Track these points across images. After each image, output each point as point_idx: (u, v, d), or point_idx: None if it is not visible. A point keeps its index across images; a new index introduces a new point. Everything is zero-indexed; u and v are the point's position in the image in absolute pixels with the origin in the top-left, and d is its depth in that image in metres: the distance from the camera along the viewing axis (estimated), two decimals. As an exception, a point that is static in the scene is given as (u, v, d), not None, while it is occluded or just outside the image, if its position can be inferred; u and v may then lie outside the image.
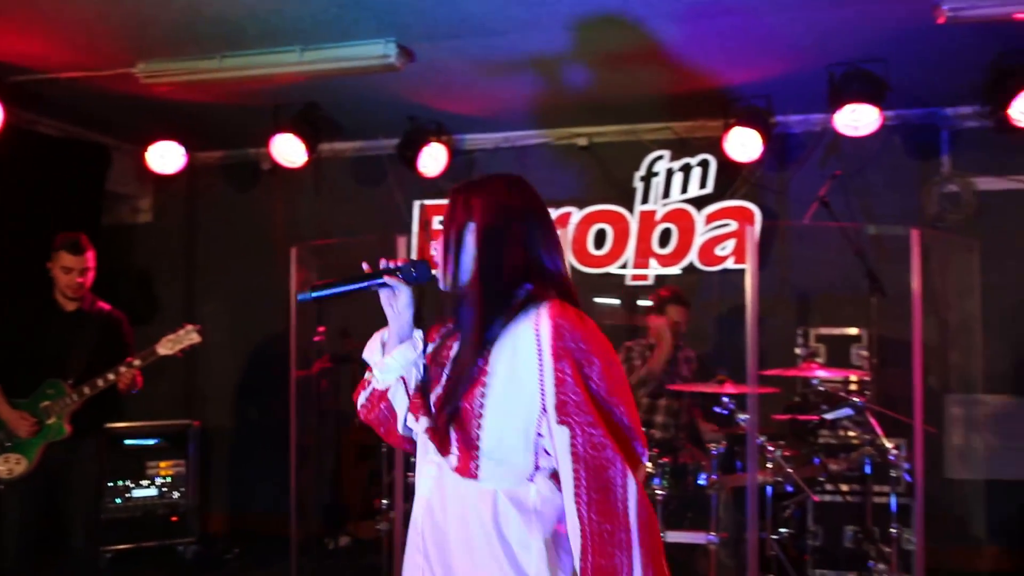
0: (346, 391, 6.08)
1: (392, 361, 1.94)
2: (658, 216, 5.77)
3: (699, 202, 5.71)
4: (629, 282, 5.84)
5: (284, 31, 4.34)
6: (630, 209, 5.82)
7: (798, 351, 5.25)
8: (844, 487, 4.84)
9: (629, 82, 5.08)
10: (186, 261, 6.82)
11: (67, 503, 4.13)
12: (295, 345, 5.08)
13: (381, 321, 2.01)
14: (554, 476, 1.79)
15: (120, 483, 5.55)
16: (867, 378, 5.00)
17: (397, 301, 1.93)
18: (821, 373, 4.59)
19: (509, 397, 1.76)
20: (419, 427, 1.92)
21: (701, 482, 4.27)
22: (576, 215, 5.86)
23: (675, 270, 5.75)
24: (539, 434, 1.78)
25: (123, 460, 5.58)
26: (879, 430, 4.41)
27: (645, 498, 1.71)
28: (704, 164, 5.67)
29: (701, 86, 5.12)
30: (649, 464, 4.18)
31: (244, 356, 6.63)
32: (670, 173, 5.75)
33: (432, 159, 5.73)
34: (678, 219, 5.74)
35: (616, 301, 5.87)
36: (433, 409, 1.87)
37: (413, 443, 1.99)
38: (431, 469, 1.88)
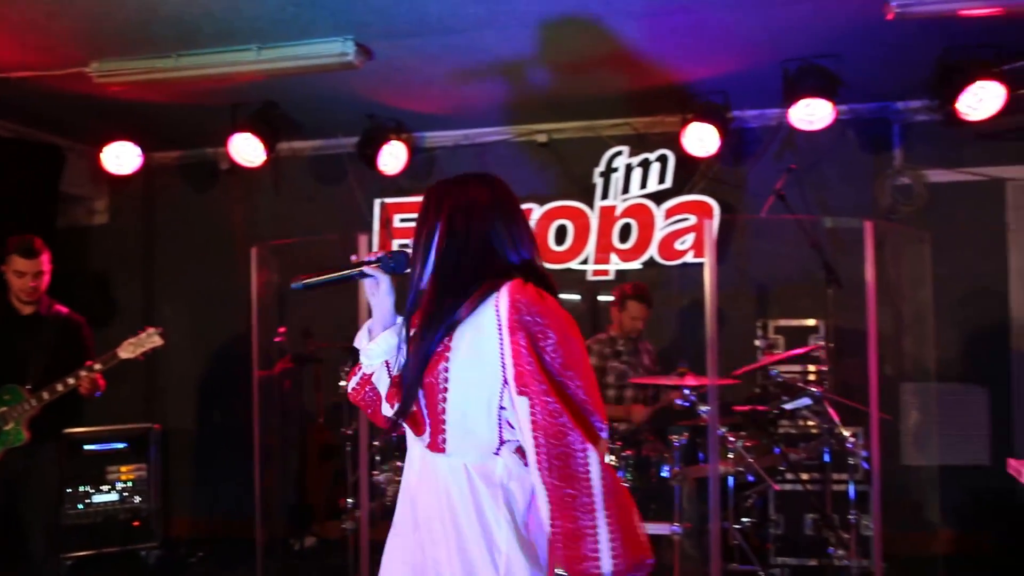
0: (309, 391, 6.09)
1: (375, 347, 2.03)
2: (618, 211, 5.80)
3: (658, 197, 5.75)
4: (590, 277, 5.88)
5: (241, 30, 4.31)
6: (590, 205, 5.84)
7: (758, 343, 5.34)
8: (804, 476, 4.93)
9: (588, 79, 5.12)
10: (144, 262, 6.74)
11: (26, 510, 4.08)
12: (257, 345, 5.05)
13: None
14: (520, 451, 1.86)
15: (80, 489, 5.47)
16: (824, 368, 5.10)
17: (379, 289, 2.02)
18: (779, 366, 4.68)
19: (472, 370, 1.85)
20: (393, 412, 2.01)
21: (664, 474, 4.32)
22: (537, 211, 5.87)
23: (636, 265, 5.78)
24: (502, 407, 1.86)
25: (83, 465, 5.50)
26: (837, 419, 4.49)
27: (608, 466, 1.78)
28: (663, 159, 5.71)
29: (659, 82, 5.18)
30: (613, 457, 4.22)
31: (205, 357, 6.57)
32: (629, 169, 5.79)
33: (392, 157, 5.72)
34: (638, 214, 5.78)
35: (577, 297, 5.92)
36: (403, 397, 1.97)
37: (396, 425, 2.06)
38: (415, 451, 2.00)
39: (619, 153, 5.81)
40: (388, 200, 6.11)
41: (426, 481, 1.94)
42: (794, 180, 5.34)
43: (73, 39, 4.39)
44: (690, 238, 5.65)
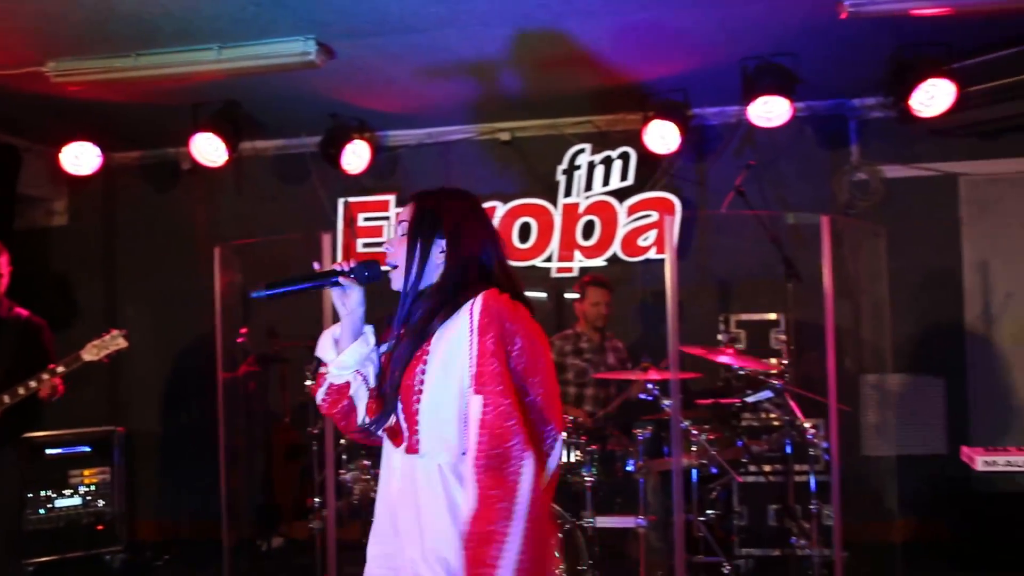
0: (274, 391, 6.07)
1: (347, 358, 2.01)
2: (581, 209, 5.87)
3: (621, 194, 5.83)
4: (555, 274, 5.93)
5: (201, 29, 4.29)
6: (553, 202, 5.91)
7: (720, 337, 5.40)
8: (767, 468, 5.00)
9: (550, 77, 5.15)
10: (105, 264, 6.67)
11: (-14, 515, 4.04)
12: (221, 346, 5.03)
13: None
14: None
15: (42, 493, 5.41)
16: (785, 361, 5.17)
17: (349, 300, 2.01)
18: (734, 360, 4.74)
19: (444, 372, 1.89)
20: (369, 424, 2.03)
21: (630, 468, 4.37)
22: (501, 209, 5.92)
23: (599, 261, 5.86)
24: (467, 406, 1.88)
25: (45, 469, 5.44)
26: (798, 411, 4.56)
27: (540, 479, 1.80)
28: (625, 157, 5.79)
29: (620, 81, 5.22)
30: (578, 452, 4.26)
31: (169, 359, 6.52)
32: (592, 166, 5.85)
33: (355, 156, 5.71)
34: (601, 211, 5.85)
35: (543, 295, 5.96)
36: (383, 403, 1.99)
37: (370, 435, 2.09)
38: (394, 460, 2.00)
39: (581, 151, 5.89)
40: (352, 199, 6.13)
41: (408, 485, 1.95)
42: (754, 176, 5.41)
43: (29, 38, 4.34)
44: (653, 234, 5.73)
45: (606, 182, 5.84)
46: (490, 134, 6.12)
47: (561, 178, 5.92)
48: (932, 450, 5.64)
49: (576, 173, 5.89)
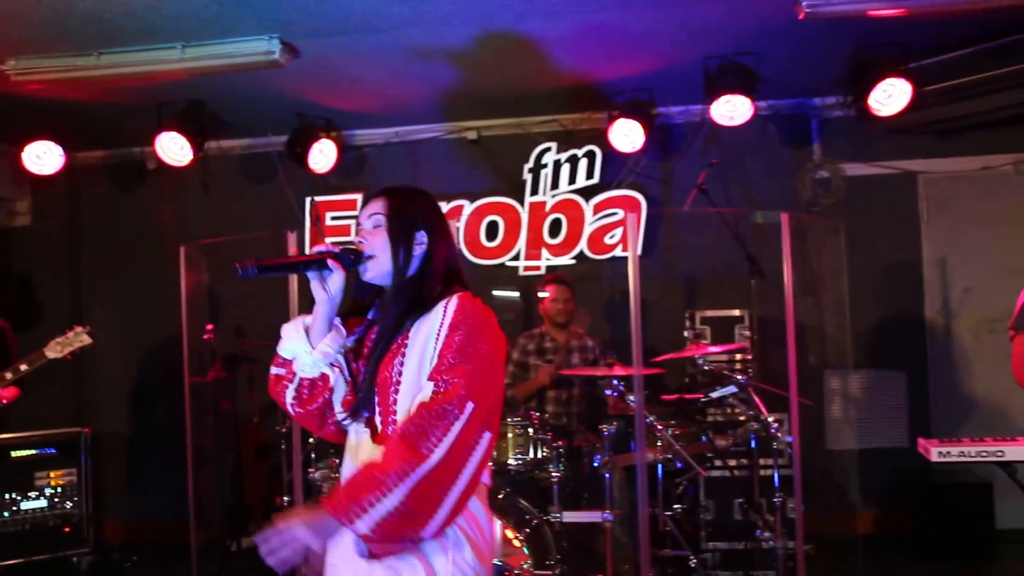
0: (243, 390, 6.05)
1: (327, 348, 2.00)
2: (548, 207, 5.91)
3: (587, 192, 5.87)
4: (522, 272, 5.96)
5: (164, 28, 4.27)
6: (520, 201, 5.94)
7: (686, 333, 5.46)
8: (732, 462, 5.06)
9: (515, 76, 5.18)
10: (70, 264, 6.60)
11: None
12: (187, 346, 5.01)
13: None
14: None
15: (7, 496, 5.35)
16: (749, 356, 5.24)
17: (331, 284, 1.99)
18: (711, 349, 4.81)
19: (420, 366, 1.92)
20: (344, 417, 2.03)
21: (597, 464, 4.40)
22: (468, 207, 5.94)
23: (566, 260, 5.90)
24: None
25: (10, 472, 5.36)
26: (762, 407, 4.62)
27: (457, 471, 1.82)
28: (590, 155, 5.83)
29: (585, 80, 5.26)
30: (545, 448, 4.29)
31: (136, 359, 6.48)
32: (558, 164, 5.89)
33: (322, 155, 5.71)
34: (567, 209, 5.89)
35: (515, 294, 5.98)
36: (359, 393, 2.00)
37: (342, 431, 2.10)
38: (361, 452, 2.00)
39: (548, 149, 5.93)
40: (319, 198, 6.12)
41: None
42: (719, 174, 5.48)
43: (-13, 37, 4.30)
44: (619, 232, 5.78)
45: (572, 180, 5.88)
46: (457, 133, 6.14)
47: (528, 176, 5.95)
48: (894, 443, 5.74)
49: (543, 171, 5.93)
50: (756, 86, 4.93)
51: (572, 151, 5.86)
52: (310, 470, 4.67)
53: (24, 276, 6.58)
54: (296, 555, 1.75)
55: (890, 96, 4.72)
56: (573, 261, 5.90)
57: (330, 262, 1.96)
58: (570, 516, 4.26)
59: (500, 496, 4.23)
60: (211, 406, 5.53)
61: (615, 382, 4.41)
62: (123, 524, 6.38)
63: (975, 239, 5.76)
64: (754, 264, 4.98)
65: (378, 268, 2.00)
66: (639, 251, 5.64)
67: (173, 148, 5.35)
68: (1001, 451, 3.23)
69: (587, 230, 5.86)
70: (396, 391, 1.93)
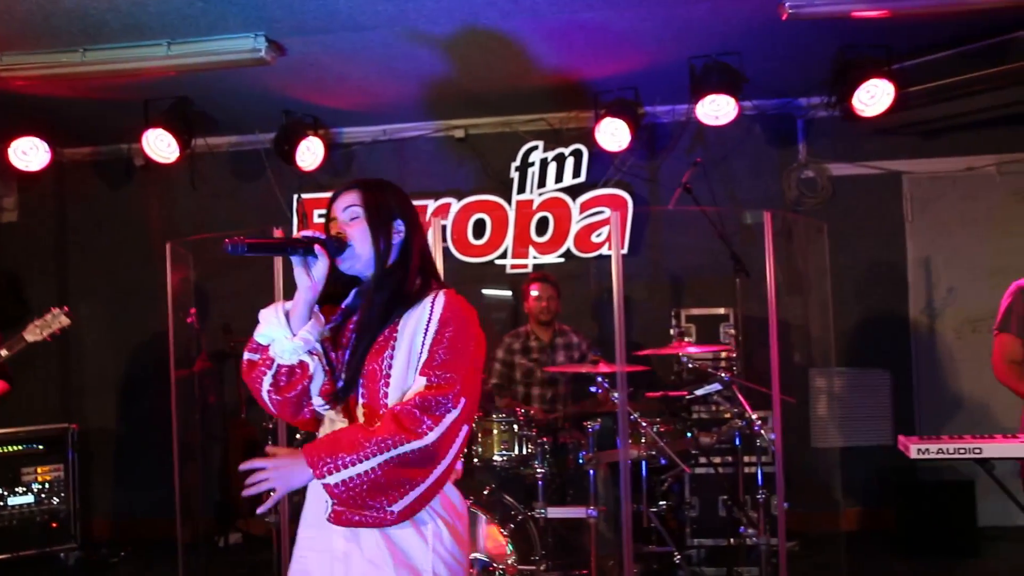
0: (230, 386, 6.06)
1: (307, 335, 1.99)
2: (535, 205, 5.93)
3: (574, 191, 5.90)
4: (509, 271, 5.98)
5: (149, 25, 4.27)
6: (507, 199, 5.96)
7: (672, 331, 5.48)
8: (716, 459, 5.09)
9: (502, 75, 5.19)
10: (57, 261, 6.59)
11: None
12: (173, 342, 5.01)
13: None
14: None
15: (-7, 492, 5.37)
16: (734, 355, 5.27)
17: (316, 270, 1.98)
18: (692, 350, 4.83)
19: (409, 359, 1.95)
20: (321, 405, 2.05)
21: (581, 460, 4.42)
22: (455, 206, 5.96)
23: (553, 258, 5.92)
24: None
25: (-4, 467, 5.40)
26: (746, 404, 4.65)
27: (435, 463, 1.88)
28: (577, 154, 5.85)
29: (572, 79, 5.28)
30: (530, 445, 4.31)
31: (123, 355, 6.47)
32: (545, 163, 5.91)
33: (309, 153, 5.71)
34: (554, 208, 5.91)
35: (508, 292, 6.00)
36: (340, 383, 2.01)
37: (317, 421, 2.12)
38: None
39: (535, 148, 5.95)
40: (306, 196, 6.13)
41: None
42: (705, 173, 5.50)
43: (-29, 32, 4.30)
44: (606, 231, 5.81)
45: (559, 179, 5.90)
46: (444, 131, 6.15)
47: (515, 175, 5.97)
48: (878, 441, 5.78)
49: (530, 170, 5.95)
50: (741, 86, 4.96)
51: (559, 150, 5.89)
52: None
53: (11, 273, 6.56)
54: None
55: (873, 97, 4.76)
56: (560, 259, 5.92)
57: (317, 248, 1.96)
58: (555, 512, 4.28)
59: (485, 492, 4.25)
60: (198, 402, 5.54)
61: (599, 379, 4.44)
62: (110, 520, 6.38)
63: (959, 239, 5.80)
64: (739, 263, 5.01)
65: (358, 258, 2.01)
66: (624, 249, 5.72)
67: (160, 145, 5.35)
68: (979, 448, 3.24)
69: (574, 228, 5.88)
70: (387, 384, 1.95)
